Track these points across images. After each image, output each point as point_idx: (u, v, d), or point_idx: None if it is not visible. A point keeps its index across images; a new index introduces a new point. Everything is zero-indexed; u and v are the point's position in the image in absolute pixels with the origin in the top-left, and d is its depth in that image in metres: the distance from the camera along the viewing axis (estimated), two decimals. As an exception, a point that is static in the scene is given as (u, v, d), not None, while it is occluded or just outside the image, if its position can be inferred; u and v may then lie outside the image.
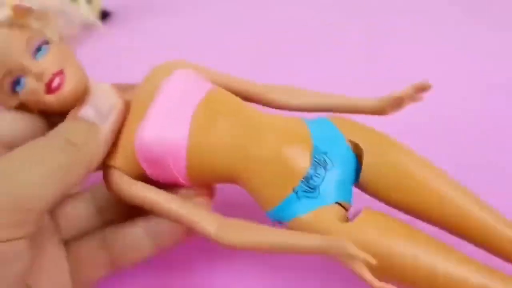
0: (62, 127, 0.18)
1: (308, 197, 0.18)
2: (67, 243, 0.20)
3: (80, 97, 0.20)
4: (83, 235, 0.20)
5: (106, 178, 0.20)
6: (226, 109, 0.20)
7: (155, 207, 0.19)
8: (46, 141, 0.17)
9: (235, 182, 0.19)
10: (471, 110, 0.34)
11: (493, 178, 0.28)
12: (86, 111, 0.19)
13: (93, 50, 0.44)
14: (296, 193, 0.18)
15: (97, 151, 0.18)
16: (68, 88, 0.19)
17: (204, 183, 0.20)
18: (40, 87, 0.19)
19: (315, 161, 0.18)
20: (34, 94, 0.19)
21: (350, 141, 0.20)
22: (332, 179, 0.18)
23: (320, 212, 0.18)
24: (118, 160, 0.20)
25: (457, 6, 0.51)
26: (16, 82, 0.19)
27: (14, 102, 0.20)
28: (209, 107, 0.19)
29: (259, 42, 0.45)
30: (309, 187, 0.18)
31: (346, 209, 0.19)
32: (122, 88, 0.21)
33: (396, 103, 0.20)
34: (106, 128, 0.18)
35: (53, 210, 0.20)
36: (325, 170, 0.18)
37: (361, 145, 0.19)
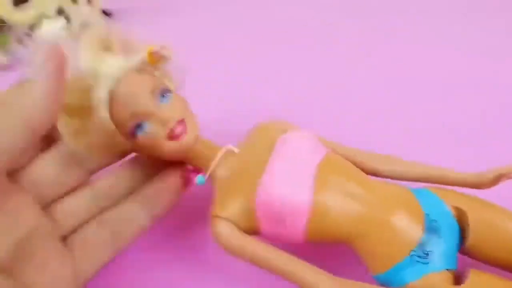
0: None
1: (421, 262, 0.18)
2: (68, 236, 0.20)
3: (192, 149, 0.21)
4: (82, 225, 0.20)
5: (214, 228, 0.20)
6: (343, 173, 0.20)
7: (266, 264, 0.19)
8: None
9: (349, 243, 0.20)
10: (474, 110, 0.34)
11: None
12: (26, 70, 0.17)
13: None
14: (410, 257, 0.19)
15: (34, 106, 0.16)
16: (188, 137, 0.20)
17: (319, 242, 0.20)
18: (163, 132, 0.20)
19: (428, 227, 0.19)
20: (155, 139, 0.20)
21: (453, 208, 0.21)
22: (442, 246, 0.19)
23: (431, 277, 0.18)
24: (230, 211, 0.20)
25: (457, 7, 0.50)
26: (139, 126, 0.19)
27: (129, 145, 0.20)
28: (328, 170, 0.20)
29: (259, 42, 0.45)
30: (423, 253, 0.19)
31: (453, 274, 0.19)
32: None
33: (496, 180, 0.21)
34: (40, 83, 0.16)
35: (50, 207, 0.20)
36: (437, 236, 0.19)
37: (464, 210, 0.20)
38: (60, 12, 0.48)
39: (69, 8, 0.48)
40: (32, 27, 0.46)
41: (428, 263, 0.18)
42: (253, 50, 0.44)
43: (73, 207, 0.20)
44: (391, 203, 0.20)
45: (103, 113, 0.19)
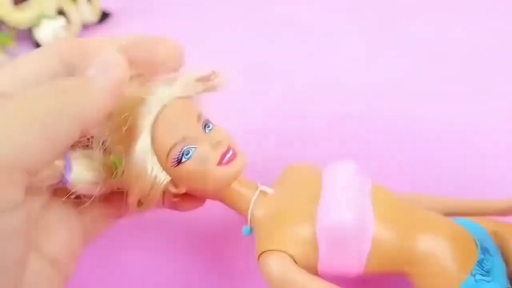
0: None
1: (485, 280, 0.19)
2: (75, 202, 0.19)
3: (235, 180, 0.20)
4: None
5: (265, 264, 0.19)
6: (391, 199, 0.21)
7: None
8: (28, 91, 0.15)
9: (407, 272, 0.20)
10: (474, 111, 0.34)
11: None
12: (86, 70, 0.16)
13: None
14: (474, 276, 0.19)
15: (91, 103, 0.16)
16: (239, 163, 0.19)
17: (377, 272, 0.20)
18: (214, 156, 0.19)
19: (481, 247, 0.20)
20: (204, 164, 0.18)
21: (493, 234, 0.21)
22: (498, 265, 0.20)
23: None
24: (283, 244, 0.19)
25: (457, 7, 0.50)
26: (185, 152, 0.18)
27: (170, 175, 0.19)
28: (380, 199, 0.20)
29: (259, 42, 0.45)
30: (484, 271, 0.19)
31: None
32: None
33: None
34: (103, 83, 0.16)
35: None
36: (490, 255, 0.20)
37: (505, 235, 0.21)
38: (60, 12, 0.48)
39: (69, 8, 0.48)
40: (32, 27, 0.46)
41: (491, 281, 0.19)
42: (253, 50, 0.44)
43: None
44: (444, 229, 0.20)
45: (144, 138, 0.18)
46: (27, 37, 0.47)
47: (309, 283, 0.18)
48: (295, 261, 0.19)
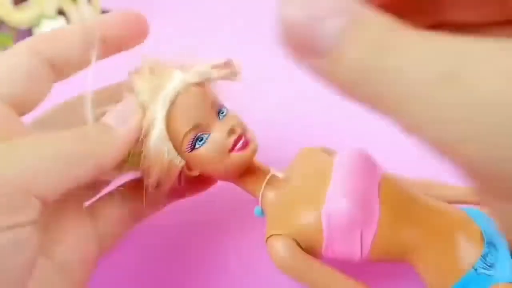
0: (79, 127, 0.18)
1: (486, 274, 0.19)
2: (89, 206, 0.20)
3: (247, 165, 0.20)
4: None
5: (272, 247, 0.19)
6: (400, 187, 0.21)
7: (333, 286, 0.19)
8: (59, 132, 0.17)
9: (410, 259, 0.20)
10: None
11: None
12: (107, 116, 0.18)
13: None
14: (475, 270, 0.19)
15: (110, 152, 0.17)
16: (251, 150, 0.20)
17: (380, 259, 0.20)
18: (227, 144, 0.19)
19: (487, 240, 0.19)
20: (217, 150, 0.19)
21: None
22: (502, 259, 0.19)
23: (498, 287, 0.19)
24: (290, 228, 0.19)
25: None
26: (199, 138, 0.19)
27: (184, 159, 0.20)
28: (389, 187, 0.20)
29: (259, 42, 0.45)
30: (487, 265, 0.19)
31: None
32: (110, 90, 0.21)
33: None
34: (122, 133, 0.18)
35: None
36: (496, 249, 0.19)
37: None
38: (60, 12, 0.48)
39: (69, 8, 0.48)
40: (32, 27, 0.46)
41: (493, 275, 0.19)
42: (253, 50, 0.44)
43: None
44: (450, 218, 0.20)
45: (160, 124, 0.19)
46: (27, 37, 0.47)
47: (312, 269, 0.19)
48: (300, 246, 0.19)
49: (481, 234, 0.20)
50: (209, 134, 0.19)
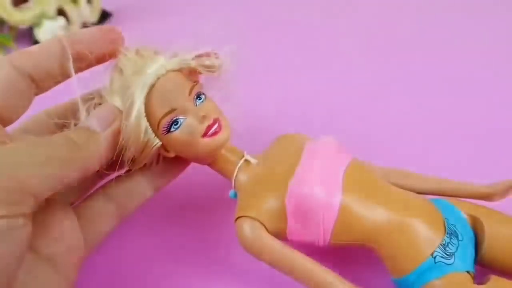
0: (67, 131, 0.19)
1: (444, 263, 0.19)
2: (73, 205, 0.21)
3: (220, 150, 0.21)
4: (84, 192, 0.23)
5: (240, 228, 0.20)
6: (368, 177, 0.21)
7: (294, 268, 0.19)
8: (51, 138, 0.18)
9: (371, 247, 0.20)
10: (475, 111, 0.34)
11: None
12: (90, 120, 0.20)
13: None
14: (434, 258, 0.19)
15: (96, 155, 0.19)
16: (223, 136, 0.21)
17: (343, 243, 0.20)
18: (200, 129, 0.20)
19: (448, 230, 0.20)
20: (191, 136, 0.20)
21: (468, 217, 0.21)
22: (462, 249, 0.20)
23: (454, 276, 0.19)
24: (257, 211, 0.20)
25: (458, 8, 0.50)
26: (174, 122, 0.20)
27: (160, 141, 0.21)
28: (355, 174, 0.21)
29: (260, 42, 0.45)
30: (446, 254, 0.19)
31: (473, 277, 0.20)
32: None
33: (507, 192, 0.22)
34: (106, 136, 0.19)
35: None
36: (457, 239, 0.20)
37: (479, 217, 0.21)
38: (60, 12, 0.48)
39: (69, 8, 0.48)
40: (32, 27, 0.46)
41: (451, 263, 0.19)
42: (253, 50, 0.44)
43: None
44: (413, 207, 0.20)
45: (138, 106, 0.20)
46: (27, 37, 0.47)
47: (276, 250, 0.20)
48: (266, 229, 0.20)
49: (444, 223, 0.20)
50: (185, 118, 0.20)
